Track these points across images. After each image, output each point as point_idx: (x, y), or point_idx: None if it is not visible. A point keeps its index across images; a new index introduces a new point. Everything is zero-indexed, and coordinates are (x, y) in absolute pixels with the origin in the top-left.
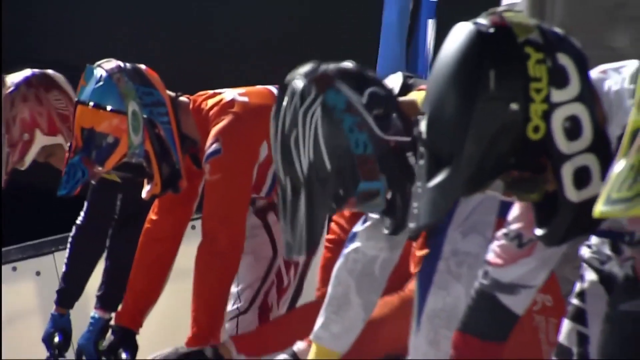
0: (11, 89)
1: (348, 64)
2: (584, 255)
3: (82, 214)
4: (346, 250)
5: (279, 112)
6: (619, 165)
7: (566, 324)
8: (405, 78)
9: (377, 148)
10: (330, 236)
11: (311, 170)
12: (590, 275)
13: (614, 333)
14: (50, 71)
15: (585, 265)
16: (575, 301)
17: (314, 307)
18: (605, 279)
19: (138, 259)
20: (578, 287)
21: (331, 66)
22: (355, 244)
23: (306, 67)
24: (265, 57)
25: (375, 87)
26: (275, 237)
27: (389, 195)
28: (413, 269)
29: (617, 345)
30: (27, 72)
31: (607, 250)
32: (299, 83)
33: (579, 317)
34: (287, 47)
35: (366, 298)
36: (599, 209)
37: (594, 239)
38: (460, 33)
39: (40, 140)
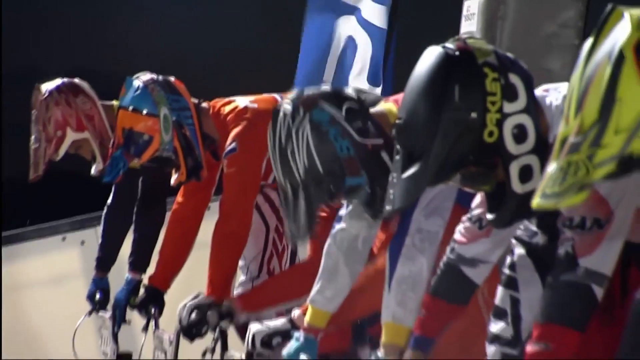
0: (45, 95)
1: (327, 87)
2: (515, 232)
3: (110, 196)
4: (334, 230)
5: (275, 130)
6: (551, 167)
7: (500, 290)
8: (358, 93)
9: (357, 150)
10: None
11: (307, 174)
12: (519, 250)
13: (557, 298)
14: (76, 79)
15: (514, 241)
16: (507, 271)
17: (300, 268)
18: (533, 251)
19: (167, 233)
20: (509, 259)
21: (313, 90)
22: (341, 225)
23: (293, 94)
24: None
25: (351, 102)
26: (265, 215)
27: (368, 189)
28: (376, 247)
29: (559, 307)
30: (57, 81)
31: (533, 227)
32: (288, 107)
33: (511, 284)
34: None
35: (352, 268)
36: (535, 201)
37: None
38: (432, 54)
39: (71, 136)
